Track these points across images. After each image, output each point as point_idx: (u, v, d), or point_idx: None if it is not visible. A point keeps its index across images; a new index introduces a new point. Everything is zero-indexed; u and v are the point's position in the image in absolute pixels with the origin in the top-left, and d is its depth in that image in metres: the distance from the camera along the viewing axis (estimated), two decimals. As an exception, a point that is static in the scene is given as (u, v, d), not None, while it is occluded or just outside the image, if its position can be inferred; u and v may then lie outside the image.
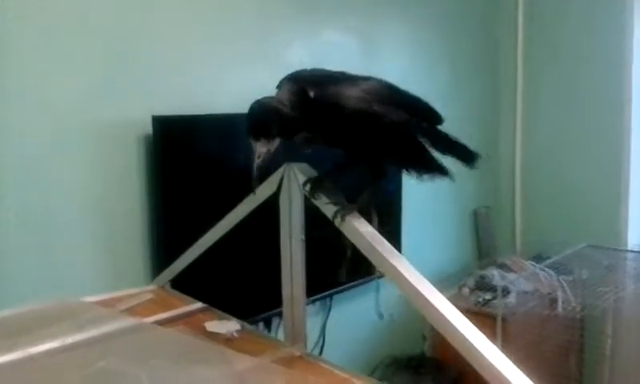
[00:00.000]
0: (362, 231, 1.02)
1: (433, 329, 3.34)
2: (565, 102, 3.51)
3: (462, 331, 0.89)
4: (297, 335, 1.13)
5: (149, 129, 1.96)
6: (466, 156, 1.13)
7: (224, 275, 1.98)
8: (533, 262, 3.20)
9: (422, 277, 0.98)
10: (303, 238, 1.11)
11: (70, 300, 1.29)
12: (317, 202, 1.09)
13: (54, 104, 1.81)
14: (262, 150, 1.05)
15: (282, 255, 1.13)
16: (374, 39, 2.92)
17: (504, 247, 3.70)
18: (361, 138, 1.09)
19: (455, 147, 1.13)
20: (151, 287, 1.48)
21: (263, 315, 2.14)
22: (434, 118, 1.14)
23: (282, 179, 1.12)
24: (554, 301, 2.97)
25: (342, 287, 2.58)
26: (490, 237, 3.68)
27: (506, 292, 2.92)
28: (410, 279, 0.96)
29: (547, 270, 3.09)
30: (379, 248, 1.01)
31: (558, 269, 3.09)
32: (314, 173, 1.11)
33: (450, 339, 0.90)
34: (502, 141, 3.75)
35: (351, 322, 2.78)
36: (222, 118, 2.13)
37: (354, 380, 1.01)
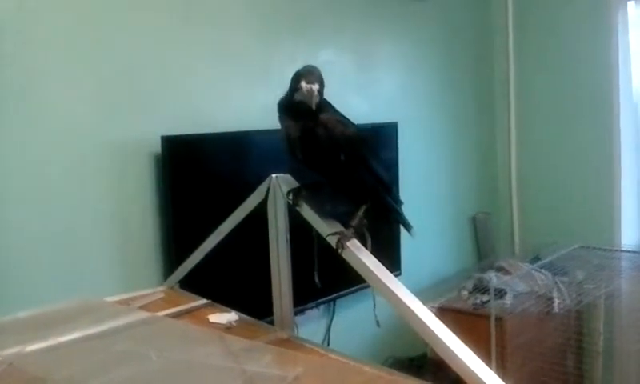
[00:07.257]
0: (361, 259, 1.14)
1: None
2: (557, 107, 3.63)
3: (448, 345, 1.00)
4: (285, 322, 1.30)
5: (158, 147, 2.13)
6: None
7: (227, 276, 2.13)
8: (529, 264, 3.28)
9: (415, 298, 1.08)
10: (288, 237, 1.28)
11: (91, 299, 1.48)
12: (316, 226, 1.21)
13: (72, 127, 1.98)
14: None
15: (271, 252, 1.30)
16: (369, 56, 3.04)
17: (503, 251, 3.79)
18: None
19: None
20: (162, 288, 1.66)
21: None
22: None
23: (268, 189, 1.29)
24: (549, 300, 3.03)
25: (346, 291, 2.69)
26: (489, 241, 3.77)
27: (502, 293, 2.98)
28: (403, 299, 1.07)
29: (542, 271, 3.15)
30: (376, 272, 1.12)
31: (554, 269, 3.16)
32: (295, 184, 1.27)
33: (439, 351, 1.01)
34: (499, 148, 3.87)
35: (355, 324, 2.85)
36: (225, 137, 2.32)
37: (330, 355, 1.18)
